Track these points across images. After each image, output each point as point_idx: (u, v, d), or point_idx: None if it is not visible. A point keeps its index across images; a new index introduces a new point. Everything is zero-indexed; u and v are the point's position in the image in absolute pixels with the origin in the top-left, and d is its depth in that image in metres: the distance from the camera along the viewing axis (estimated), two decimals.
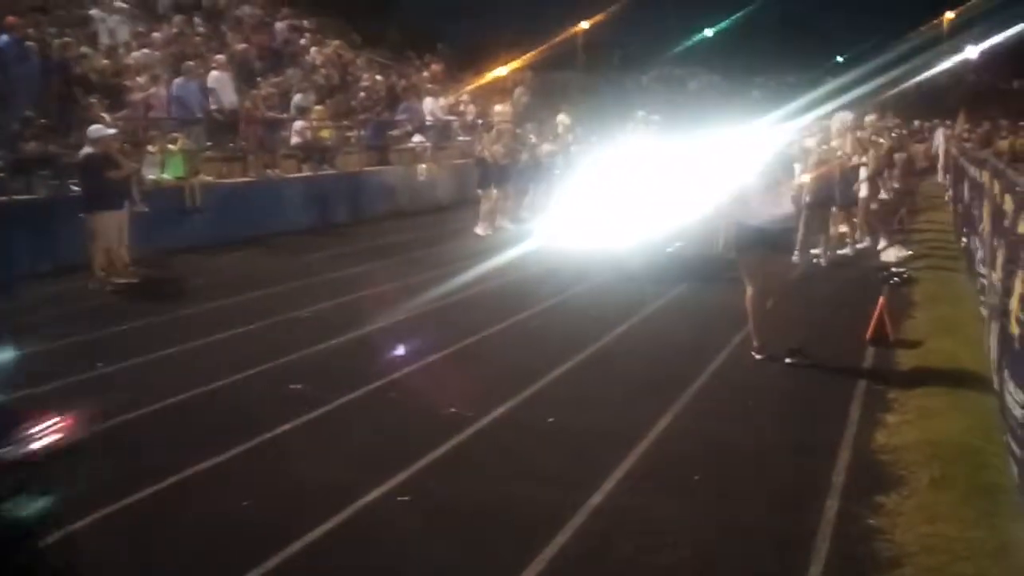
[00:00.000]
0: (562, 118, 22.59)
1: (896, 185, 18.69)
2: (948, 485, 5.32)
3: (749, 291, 8.21)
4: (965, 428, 6.25)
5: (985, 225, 9.93)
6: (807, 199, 12.37)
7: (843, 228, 14.50)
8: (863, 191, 14.45)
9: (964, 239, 13.86)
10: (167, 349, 8.77)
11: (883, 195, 16.23)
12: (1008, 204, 7.44)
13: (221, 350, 8.87)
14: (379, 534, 4.89)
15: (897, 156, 20.07)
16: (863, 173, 14.41)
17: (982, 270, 9.68)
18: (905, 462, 5.70)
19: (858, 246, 14.56)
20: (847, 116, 14.52)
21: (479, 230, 17.74)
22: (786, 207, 8.13)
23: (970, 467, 5.60)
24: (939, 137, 31.33)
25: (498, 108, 27.30)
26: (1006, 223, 7.24)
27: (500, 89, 32.86)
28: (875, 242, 14.63)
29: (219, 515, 5.14)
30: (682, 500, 5.24)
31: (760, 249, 8.02)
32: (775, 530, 4.86)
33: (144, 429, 6.60)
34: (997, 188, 9.13)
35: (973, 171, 14.65)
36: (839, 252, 13.98)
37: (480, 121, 27.12)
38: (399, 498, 5.31)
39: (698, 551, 4.63)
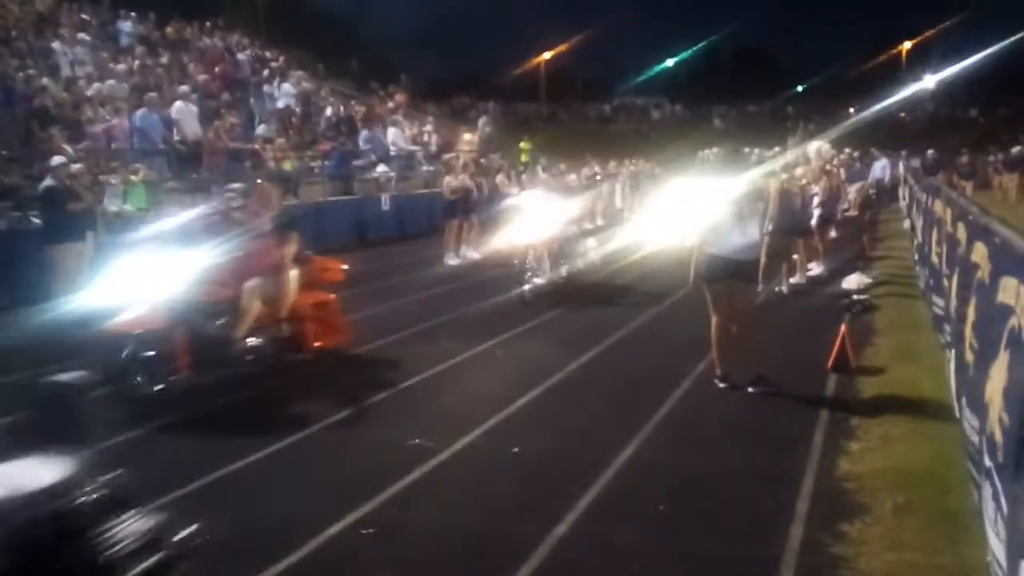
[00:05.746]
0: (524, 146, 22.76)
1: (853, 213, 18.90)
2: (912, 512, 5.35)
3: (714, 320, 8.25)
4: (928, 455, 6.30)
5: (935, 253, 10.03)
6: (769, 227, 12.44)
7: (799, 256, 14.61)
8: (815, 219, 14.62)
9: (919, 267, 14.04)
10: None
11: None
12: (961, 233, 7.52)
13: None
14: (343, 567, 4.84)
15: (854, 186, 20.32)
16: (816, 202, 14.62)
17: (935, 299, 9.76)
18: (869, 489, 5.73)
19: (810, 273, 14.65)
20: (822, 145, 14.68)
21: (449, 260, 17.86)
22: (753, 236, 8.18)
23: (933, 493, 5.63)
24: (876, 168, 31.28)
25: (466, 137, 27.48)
26: (959, 251, 7.31)
27: (464, 119, 33.07)
28: (826, 270, 14.80)
29: None
30: (646, 529, 5.23)
31: (728, 279, 8.06)
32: (739, 558, 4.86)
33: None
34: (949, 216, 9.22)
35: (925, 199, 14.86)
36: (798, 280, 14.05)
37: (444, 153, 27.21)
38: (363, 531, 5.27)
39: None
